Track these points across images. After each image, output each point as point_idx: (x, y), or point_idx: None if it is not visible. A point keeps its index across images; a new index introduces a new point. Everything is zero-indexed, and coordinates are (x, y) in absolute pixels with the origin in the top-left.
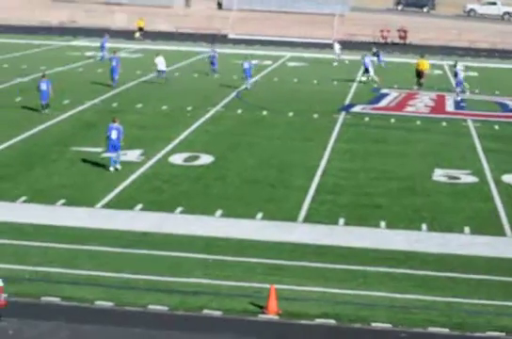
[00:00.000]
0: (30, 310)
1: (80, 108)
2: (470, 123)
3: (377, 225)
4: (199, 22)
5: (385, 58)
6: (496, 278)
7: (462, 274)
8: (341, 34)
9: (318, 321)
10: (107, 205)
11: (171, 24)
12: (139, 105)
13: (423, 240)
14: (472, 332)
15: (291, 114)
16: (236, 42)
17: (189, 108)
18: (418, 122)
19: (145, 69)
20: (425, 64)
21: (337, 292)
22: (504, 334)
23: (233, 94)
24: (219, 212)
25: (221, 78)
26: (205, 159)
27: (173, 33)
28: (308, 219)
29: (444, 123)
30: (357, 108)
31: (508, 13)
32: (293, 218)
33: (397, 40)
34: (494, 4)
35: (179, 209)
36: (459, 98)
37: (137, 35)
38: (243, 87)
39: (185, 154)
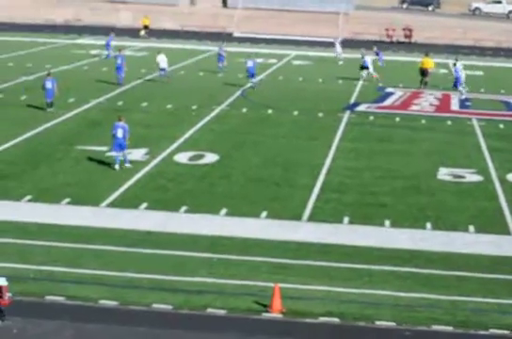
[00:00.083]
0: (34, 309)
1: (85, 107)
2: (475, 122)
3: (382, 224)
4: (204, 20)
5: (391, 57)
6: (500, 276)
7: (467, 272)
8: (346, 32)
9: (322, 320)
10: (112, 204)
11: (176, 22)
12: (144, 104)
13: (427, 239)
14: (477, 331)
15: (296, 113)
16: (241, 41)
17: (194, 107)
18: (423, 121)
19: (150, 67)
20: (430, 63)
21: (341, 291)
22: (508, 332)
23: (239, 93)
24: (224, 211)
25: (226, 77)
26: (210, 158)
27: (178, 31)
28: (312, 218)
29: (449, 122)
30: (362, 107)
31: None
32: (297, 217)
33: (402, 39)
34: (499, 2)
35: (183, 208)
36: (464, 96)
37: (143, 33)
38: (248, 85)
39: (190, 153)
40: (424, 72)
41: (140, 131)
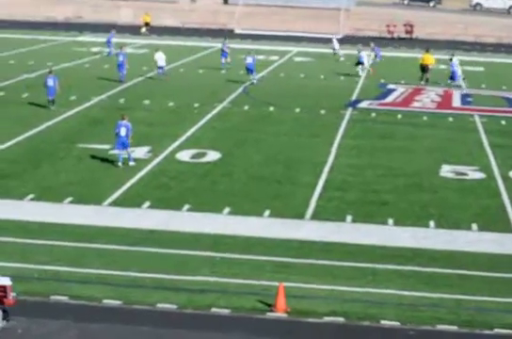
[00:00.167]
0: (39, 309)
1: (87, 105)
2: (476, 119)
3: (385, 222)
4: (204, 17)
5: (392, 53)
6: (504, 275)
7: (470, 271)
8: (347, 29)
9: (327, 319)
10: (114, 203)
11: (177, 19)
12: (146, 102)
13: (430, 237)
14: (481, 330)
15: (298, 110)
16: (243, 37)
17: (196, 105)
18: (425, 118)
19: (151, 65)
20: (431, 59)
21: (345, 289)
22: None
23: (240, 90)
24: (227, 209)
25: (228, 74)
26: (212, 156)
27: (179, 28)
28: (315, 216)
29: (451, 119)
30: (363, 104)
31: None
32: (300, 215)
33: (404, 35)
34: None
35: (186, 206)
36: (465, 91)
37: (143, 30)
38: (249, 82)
39: (192, 151)
40: (424, 69)
41: (142, 129)
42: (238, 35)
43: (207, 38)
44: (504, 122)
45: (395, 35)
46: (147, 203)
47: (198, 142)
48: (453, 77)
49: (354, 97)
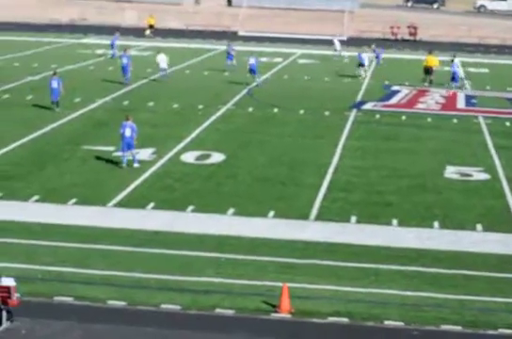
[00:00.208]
0: (43, 309)
1: (91, 107)
2: (481, 120)
3: (389, 223)
4: (208, 19)
5: (396, 55)
6: (509, 275)
7: (474, 271)
8: (351, 31)
9: (331, 319)
10: (119, 204)
11: (181, 21)
12: (150, 104)
13: (434, 238)
14: (485, 330)
15: (302, 112)
16: (246, 40)
17: (200, 106)
18: (429, 119)
19: (155, 67)
20: (434, 61)
21: (349, 290)
22: None
23: (244, 92)
24: (231, 210)
25: (232, 76)
26: (216, 157)
27: (183, 30)
28: (319, 217)
29: (455, 120)
30: (368, 106)
31: None
32: (304, 216)
33: (407, 37)
34: (504, 0)
35: (190, 208)
36: (467, 92)
37: (148, 32)
38: (254, 84)
39: (197, 153)
40: (428, 71)
41: (147, 131)
42: (242, 37)
43: (211, 40)
44: (508, 124)
45: (399, 37)
46: (151, 205)
47: (202, 144)
48: (454, 78)
49: (358, 99)
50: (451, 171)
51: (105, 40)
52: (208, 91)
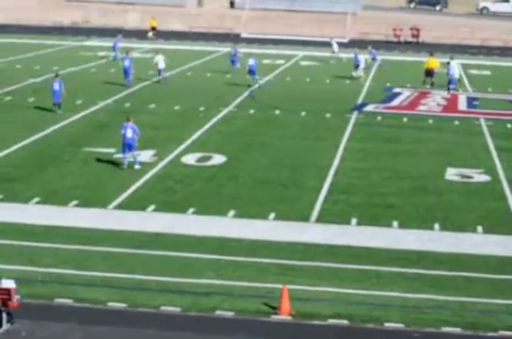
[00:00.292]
0: (43, 311)
1: (93, 109)
2: (482, 122)
3: (390, 225)
4: (211, 21)
5: (398, 57)
6: (509, 277)
7: (475, 273)
8: (353, 33)
9: (331, 321)
10: (120, 206)
11: (184, 23)
12: (152, 106)
13: (435, 240)
14: (485, 332)
15: (303, 114)
16: (249, 42)
17: (202, 108)
18: (430, 121)
19: (156, 68)
20: (435, 63)
21: (349, 292)
22: None
23: (246, 94)
24: (232, 212)
25: (234, 78)
26: (218, 159)
27: (186, 32)
28: (320, 219)
29: (457, 122)
30: (369, 108)
31: None
32: (305, 219)
33: (410, 39)
34: (507, 1)
35: (191, 210)
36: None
37: (150, 34)
38: (256, 86)
39: (198, 155)
40: (429, 73)
41: (148, 132)
42: (245, 39)
43: (214, 42)
44: (509, 126)
45: (402, 39)
46: (152, 207)
47: (203, 146)
48: (450, 81)
49: (360, 101)
50: (452, 173)
51: (108, 43)
52: (210, 93)
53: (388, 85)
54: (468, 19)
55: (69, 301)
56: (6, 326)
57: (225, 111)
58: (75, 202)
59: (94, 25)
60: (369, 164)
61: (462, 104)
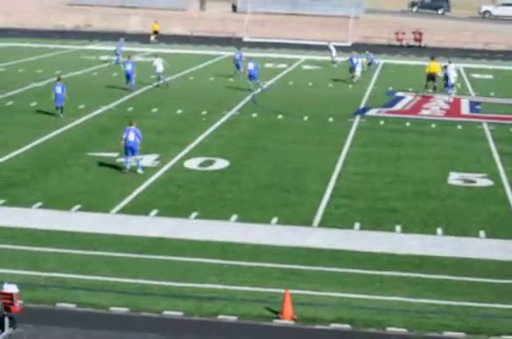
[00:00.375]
0: (45, 316)
1: (95, 113)
2: (485, 126)
3: (393, 229)
4: (213, 25)
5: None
6: None
7: (478, 278)
8: (356, 36)
9: (333, 326)
10: (122, 211)
11: (186, 27)
12: (154, 110)
13: (438, 244)
14: (488, 337)
15: (306, 118)
16: (251, 46)
17: (204, 112)
18: (433, 126)
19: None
20: (437, 67)
21: (352, 297)
22: None
23: (249, 98)
24: (234, 217)
25: (236, 82)
26: (220, 164)
27: (188, 36)
28: (323, 224)
29: (459, 127)
30: (372, 112)
31: None
32: (308, 223)
33: (412, 43)
34: (510, 5)
35: (194, 214)
36: (450, 99)
37: (152, 38)
38: (258, 90)
39: (201, 159)
40: (431, 77)
41: (151, 137)
42: (247, 43)
43: (216, 46)
44: None
45: (404, 43)
46: (155, 211)
47: (206, 150)
48: (447, 84)
49: (362, 105)
50: (455, 178)
51: (110, 47)
52: (212, 97)
53: (390, 89)
54: (470, 23)
55: (71, 306)
56: (8, 330)
57: (228, 115)
58: (78, 207)
59: (96, 29)
60: (372, 168)
61: (465, 109)
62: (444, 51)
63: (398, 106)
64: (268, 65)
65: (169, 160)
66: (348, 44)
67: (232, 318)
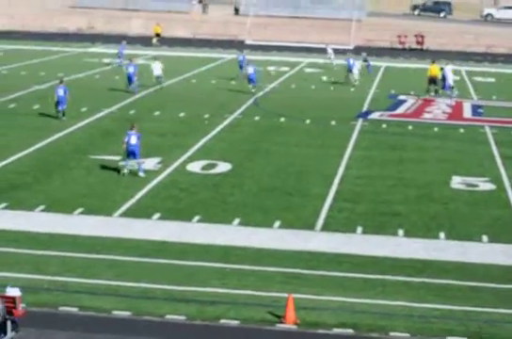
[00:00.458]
0: (48, 320)
1: (97, 116)
2: (487, 130)
3: (395, 233)
4: (215, 28)
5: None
6: None
7: (480, 283)
8: (358, 39)
9: (336, 331)
10: (125, 214)
11: (188, 29)
12: (157, 113)
13: (441, 249)
14: None
15: (308, 121)
16: (254, 48)
17: (206, 115)
18: (435, 129)
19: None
20: (438, 70)
21: (355, 301)
22: None
23: (251, 101)
24: (237, 220)
25: (239, 85)
26: (223, 167)
27: (190, 39)
28: (325, 228)
29: (462, 130)
30: (374, 115)
31: None
32: (310, 227)
33: (415, 46)
34: (511, 8)
35: (196, 218)
36: (450, 102)
37: (155, 41)
38: (260, 93)
39: (203, 162)
40: (433, 80)
41: (153, 140)
42: (249, 46)
43: (218, 49)
44: None
45: (406, 46)
46: (157, 215)
47: (208, 153)
48: (444, 87)
49: (364, 108)
50: (457, 182)
51: (113, 49)
52: (215, 100)
53: (392, 92)
54: (472, 26)
55: (74, 310)
56: (11, 334)
57: (230, 118)
58: (80, 210)
59: (99, 32)
60: (374, 172)
61: (467, 112)
62: (446, 54)
63: (400, 110)
64: (271, 68)
65: (172, 163)
66: (350, 47)
67: (235, 322)
